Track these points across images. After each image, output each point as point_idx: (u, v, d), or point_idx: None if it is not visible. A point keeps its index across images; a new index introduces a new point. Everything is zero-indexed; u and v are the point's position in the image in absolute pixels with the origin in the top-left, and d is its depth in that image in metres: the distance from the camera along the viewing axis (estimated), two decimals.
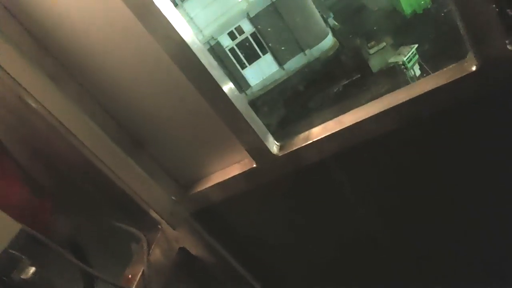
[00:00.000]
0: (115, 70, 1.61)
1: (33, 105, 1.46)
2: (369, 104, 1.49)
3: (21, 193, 1.48)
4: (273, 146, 1.59)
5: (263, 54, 17.57)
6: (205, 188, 1.74)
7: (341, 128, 1.49)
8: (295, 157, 1.56)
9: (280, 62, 17.64)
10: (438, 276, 1.86)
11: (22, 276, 1.25)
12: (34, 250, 1.38)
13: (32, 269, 1.27)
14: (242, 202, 1.75)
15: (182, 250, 1.70)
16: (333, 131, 1.50)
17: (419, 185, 1.63)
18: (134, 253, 1.77)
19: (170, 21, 1.42)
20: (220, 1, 15.96)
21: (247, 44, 17.16)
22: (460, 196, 1.62)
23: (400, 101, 1.40)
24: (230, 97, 1.52)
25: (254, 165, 1.61)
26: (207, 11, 15.18)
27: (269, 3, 16.76)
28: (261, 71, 17.34)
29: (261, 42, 17.39)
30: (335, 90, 15.29)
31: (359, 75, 15.44)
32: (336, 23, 19.32)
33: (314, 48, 17.29)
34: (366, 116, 1.46)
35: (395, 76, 14.51)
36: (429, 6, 17.01)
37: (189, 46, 1.46)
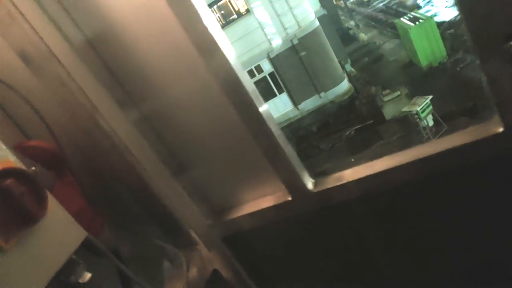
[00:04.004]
0: (172, 102, 1.82)
1: (102, 124, 1.66)
2: (399, 153, 1.65)
3: (80, 204, 1.64)
4: (309, 182, 1.74)
5: (279, 93, 18.04)
6: (239, 216, 1.89)
7: (371, 173, 1.64)
8: (327, 195, 1.71)
9: (295, 102, 18.06)
10: None
11: (80, 281, 1.39)
12: (87, 257, 1.52)
13: (89, 275, 1.40)
14: (272, 231, 1.89)
15: (215, 271, 1.82)
16: (363, 175, 1.66)
17: (433, 232, 1.74)
18: (164, 270, 1.91)
19: (228, 59, 1.62)
20: (244, 40, 16.65)
21: (264, 82, 17.68)
22: (472, 250, 1.72)
23: (428, 154, 1.56)
24: (274, 133, 1.70)
25: (289, 198, 1.76)
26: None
27: (289, 46, 17.41)
28: (276, 109, 17.72)
29: (278, 81, 17.91)
30: (346, 133, 15.51)
31: (371, 121, 15.69)
32: (353, 70, 19.88)
33: (330, 91, 17.74)
34: (395, 165, 1.61)
35: (407, 125, 14.72)
36: (445, 60, 17.49)
37: (240, 81, 1.65)
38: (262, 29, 17.08)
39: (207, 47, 1.59)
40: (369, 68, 20.08)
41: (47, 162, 1.66)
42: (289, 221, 1.82)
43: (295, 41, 17.39)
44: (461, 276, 1.81)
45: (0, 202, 1.12)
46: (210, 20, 1.57)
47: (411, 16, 19.36)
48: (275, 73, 17.79)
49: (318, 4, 19.59)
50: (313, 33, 17.58)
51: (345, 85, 18.17)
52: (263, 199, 1.87)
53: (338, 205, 1.72)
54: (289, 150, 1.76)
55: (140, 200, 1.81)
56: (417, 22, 18.08)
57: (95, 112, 1.64)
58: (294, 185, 1.73)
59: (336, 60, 18.37)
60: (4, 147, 1.26)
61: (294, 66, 17.51)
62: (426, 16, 18.93)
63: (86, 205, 1.66)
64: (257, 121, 1.68)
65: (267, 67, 17.74)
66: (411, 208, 1.68)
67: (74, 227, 1.38)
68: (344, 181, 1.67)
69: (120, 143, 1.70)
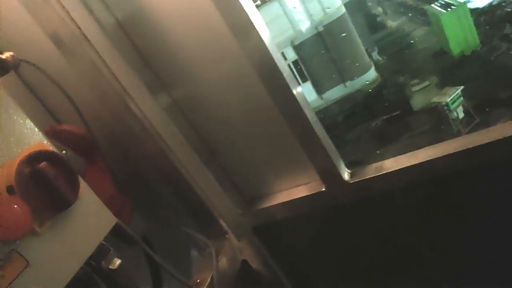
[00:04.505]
0: (204, 87, 1.76)
1: (133, 108, 1.62)
2: (444, 143, 1.54)
3: (110, 191, 1.62)
4: (345, 173, 1.66)
5: (303, 82, 17.77)
6: (271, 206, 1.83)
7: (415, 163, 1.54)
8: (365, 186, 1.62)
9: (319, 91, 17.75)
10: None
11: (110, 267, 1.37)
12: (117, 243, 1.50)
13: (119, 261, 1.39)
14: (304, 223, 1.82)
15: (245, 262, 1.78)
16: (405, 165, 1.56)
17: (480, 226, 1.63)
18: (193, 259, 1.88)
19: (263, 40, 1.55)
20: (268, 28, 16.41)
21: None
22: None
23: (477, 144, 1.44)
24: (310, 120, 1.62)
25: (323, 189, 1.68)
26: None
27: (314, 33, 17.05)
28: None
29: (302, 70, 17.61)
30: (373, 124, 15.15)
31: (399, 112, 15.25)
32: (381, 58, 19.33)
33: (356, 80, 17.33)
34: (441, 155, 1.50)
35: (437, 116, 14.22)
36: (478, 49, 16.71)
37: (276, 63, 1.58)
38: (287, 16, 16.76)
39: (242, 28, 1.52)
40: (397, 57, 19.42)
41: (77, 147, 1.64)
42: (322, 213, 1.75)
43: (320, 28, 17.00)
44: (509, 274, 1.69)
45: (34, 186, 1.10)
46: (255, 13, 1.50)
47: (443, 2, 18.51)
48: (299, 61, 17.50)
49: None
50: (339, 20, 17.13)
51: (372, 74, 17.71)
52: (295, 189, 1.80)
53: (377, 196, 1.63)
54: (325, 138, 1.67)
55: (170, 187, 1.77)
56: (449, 9, 17.29)
57: (126, 96, 1.61)
58: (329, 175, 1.65)
59: (362, 48, 17.90)
60: (37, 130, 1.24)
61: (319, 54, 17.17)
62: (459, 2, 18.07)
63: (116, 191, 1.64)
64: (292, 107, 1.60)
65: (290, 55, 17.45)
66: (458, 199, 1.57)
67: (105, 212, 1.36)
68: (384, 171, 1.58)
69: (151, 128, 1.66)
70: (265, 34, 1.53)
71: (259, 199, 1.90)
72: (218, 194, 1.81)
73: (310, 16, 16.83)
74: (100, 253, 1.35)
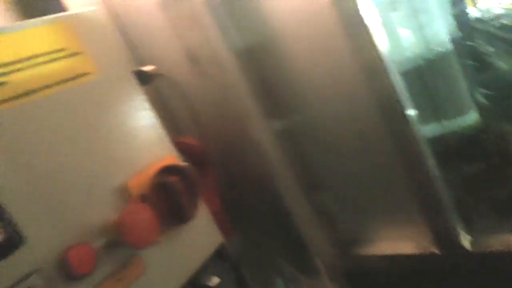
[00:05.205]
0: (318, 118, 1.73)
1: (249, 131, 1.66)
2: None
3: (217, 205, 1.66)
4: (464, 239, 1.49)
5: None
6: (370, 254, 1.71)
7: None
8: (488, 259, 1.44)
9: None
10: None
11: (209, 284, 1.39)
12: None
13: (218, 280, 1.40)
14: (405, 282, 1.67)
15: None
16: None
17: None
18: None
19: (391, 79, 1.49)
20: None
21: None
22: None
23: None
24: (430, 173, 1.50)
25: (436, 252, 1.53)
26: None
27: (415, 65, 16.27)
28: None
29: None
30: (468, 170, 13.82)
31: (499, 162, 13.68)
32: (485, 101, 17.68)
33: (453, 120, 16.06)
34: None
35: None
36: None
37: (402, 106, 1.51)
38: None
39: (370, 65, 1.48)
40: (505, 101, 17.56)
41: (193, 159, 1.72)
42: (430, 276, 1.58)
43: (422, 62, 16.16)
44: None
45: (163, 197, 1.16)
46: (376, 29, 1.46)
47: None
48: None
49: (454, 25, 17.88)
50: (443, 56, 16.05)
51: (472, 116, 16.23)
52: (401, 242, 1.66)
53: (500, 273, 1.43)
54: (445, 194, 1.53)
55: (269, 213, 1.77)
56: None
57: (244, 119, 1.65)
58: (445, 238, 1.49)
59: (465, 87, 16.55)
60: (169, 143, 1.32)
61: (416, 87, 16.25)
62: None
63: (221, 208, 1.68)
64: (413, 153, 1.50)
65: None
66: None
67: (214, 230, 1.39)
68: None
69: (262, 152, 1.69)
70: (392, 68, 1.48)
71: (358, 243, 1.79)
72: (315, 229, 1.76)
73: (412, 48, 16.15)
74: (201, 269, 1.38)
